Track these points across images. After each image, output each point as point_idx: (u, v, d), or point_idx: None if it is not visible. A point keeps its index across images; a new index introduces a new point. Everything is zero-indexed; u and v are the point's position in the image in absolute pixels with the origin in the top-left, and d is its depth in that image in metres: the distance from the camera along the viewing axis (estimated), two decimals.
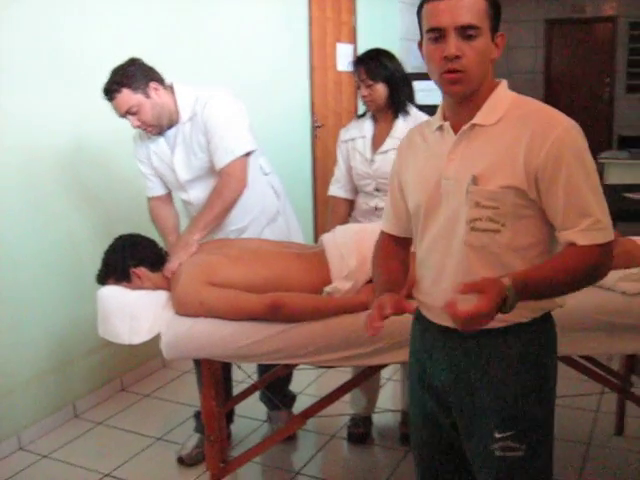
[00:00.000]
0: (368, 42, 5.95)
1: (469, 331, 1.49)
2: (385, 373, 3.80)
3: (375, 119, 3.16)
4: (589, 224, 1.56)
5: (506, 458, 1.70)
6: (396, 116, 3.09)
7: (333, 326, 2.35)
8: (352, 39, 6.32)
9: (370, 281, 2.45)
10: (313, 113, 5.80)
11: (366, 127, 3.16)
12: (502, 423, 1.69)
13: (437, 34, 1.58)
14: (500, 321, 1.57)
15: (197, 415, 3.30)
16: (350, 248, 2.52)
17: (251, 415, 3.55)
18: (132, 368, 4.03)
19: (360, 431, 3.33)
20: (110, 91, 2.78)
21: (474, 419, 1.72)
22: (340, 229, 2.69)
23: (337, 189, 3.27)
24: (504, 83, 1.69)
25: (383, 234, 1.97)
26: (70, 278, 3.60)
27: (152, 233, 3.01)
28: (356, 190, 3.23)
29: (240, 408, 3.38)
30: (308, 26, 5.62)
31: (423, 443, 1.90)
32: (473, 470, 1.79)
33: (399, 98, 3.07)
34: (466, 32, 1.55)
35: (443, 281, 1.70)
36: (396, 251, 1.93)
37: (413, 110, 3.12)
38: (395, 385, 3.81)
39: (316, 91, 5.81)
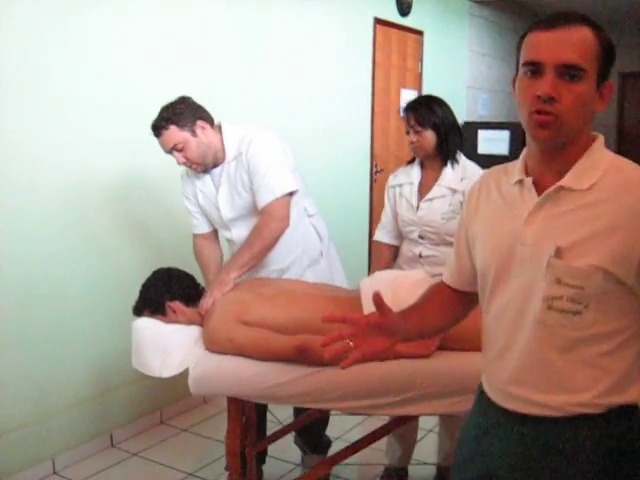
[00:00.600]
0: (434, 89, 5.99)
1: None
2: (426, 424, 3.71)
3: (423, 166, 3.14)
4: None
5: None
6: (444, 164, 3.05)
7: (360, 372, 2.29)
8: (417, 85, 6.34)
9: None
10: (373, 157, 5.81)
11: (414, 174, 3.13)
12: None
13: (534, 68, 1.37)
14: (565, 411, 1.43)
15: None
16: (386, 294, 2.47)
17: (286, 458, 3.51)
18: (173, 401, 4.05)
19: None
20: (158, 127, 2.83)
21: None
22: (379, 274, 2.67)
23: (382, 235, 3.24)
24: (600, 140, 1.46)
25: (442, 284, 1.78)
26: (116, 310, 3.65)
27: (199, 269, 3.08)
28: (401, 237, 3.20)
29: (275, 449, 3.34)
30: (372, 72, 5.66)
31: None
32: None
33: (448, 146, 3.04)
34: (568, 72, 1.34)
35: (509, 358, 1.50)
36: (450, 300, 1.74)
37: (462, 159, 3.09)
38: (435, 437, 3.71)
39: (377, 136, 5.83)
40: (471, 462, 1.63)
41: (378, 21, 5.66)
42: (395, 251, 3.23)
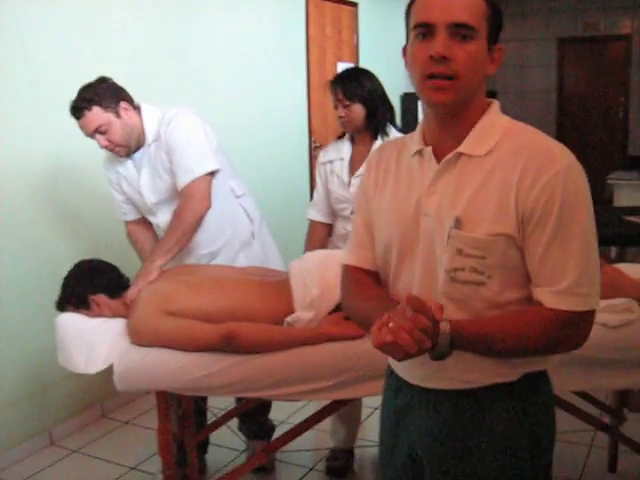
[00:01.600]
0: (371, 61, 5.93)
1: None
2: (371, 402, 3.67)
3: (353, 141, 3.06)
4: (566, 286, 1.33)
5: None
6: (375, 138, 2.99)
7: (291, 358, 2.24)
8: (354, 58, 6.26)
9: (334, 311, 2.35)
10: (311, 133, 5.72)
11: (344, 149, 3.06)
12: None
13: (425, 30, 1.33)
14: (475, 382, 1.43)
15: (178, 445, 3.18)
16: (314, 276, 2.41)
17: (230, 445, 3.44)
18: (113, 394, 3.92)
19: (339, 464, 3.20)
20: (79, 109, 2.70)
21: None
22: (307, 255, 2.59)
23: (315, 213, 3.17)
24: (496, 105, 1.44)
25: (349, 268, 1.64)
26: (49, 304, 3.48)
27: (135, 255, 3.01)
28: (335, 214, 3.13)
29: (219, 437, 3.27)
30: (305, 46, 5.55)
31: None
32: None
33: (377, 119, 2.97)
34: (459, 31, 1.32)
35: None
36: (375, 284, 1.60)
37: (393, 132, 3.02)
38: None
39: (314, 111, 5.74)
40: (395, 447, 1.61)
41: None
42: (329, 229, 3.17)
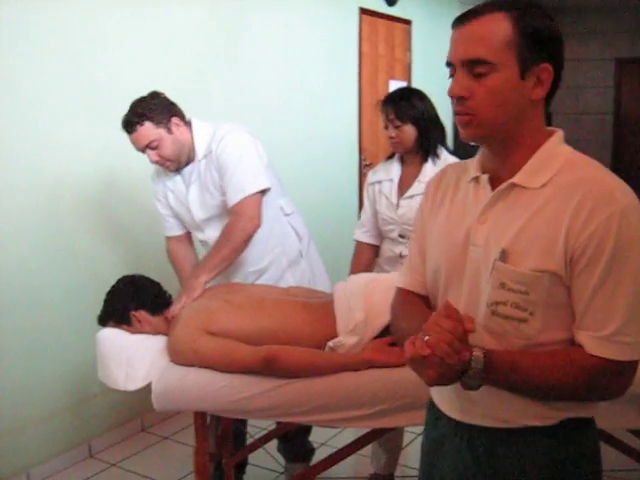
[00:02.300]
0: (424, 80, 5.87)
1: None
2: (414, 427, 3.58)
3: (403, 162, 3.01)
4: (610, 333, 1.26)
5: None
6: (425, 160, 2.93)
7: (332, 384, 2.18)
8: (406, 76, 6.20)
9: (378, 337, 2.29)
10: (361, 151, 5.68)
11: (394, 170, 3.01)
12: None
13: (450, 70, 1.34)
14: (511, 421, 1.38)
15: (215, 464, 3.14)
16: (358, 299, 2.35)
17: (269, 466, 3.39)
18: (154, 408, 3.92)
19: None
20: (131, 123, 2.70)
21: None
22: (352, 278, 2.54)
23: (362, 234, 3.12)
24: (558, 135, 1.38)
25: (401, 291, 1.61)
26: (93, 315, 3.52)
27: None
28: (381, 236, 3.07)
29: (258, 458, 3.23)
30: (358, 63, 5.52)
31: None
32: None
33: (428, 141, 2.91)
34: (474, 69, 1.29)
35: None
36: (423, 306, 1.55)
37: (444, 153, 2.96)
38: None
39: (365, 129, 5.70)
40: (430, 478, 1.57)
41: (363, 11, 5.52)
42: (375, 250, 3.11)
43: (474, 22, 1.29)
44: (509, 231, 1.32)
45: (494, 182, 1.38)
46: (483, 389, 1.32)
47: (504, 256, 1.30)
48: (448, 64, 1.34)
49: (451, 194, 1.49)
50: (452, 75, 1.34)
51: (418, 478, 1.67)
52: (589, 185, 1.27)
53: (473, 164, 1.45)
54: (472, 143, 1.39)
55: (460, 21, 1.32)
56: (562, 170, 1.32)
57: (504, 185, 1.35)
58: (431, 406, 1.58)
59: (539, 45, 1.29)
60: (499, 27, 1.28)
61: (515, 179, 1.34)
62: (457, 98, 1.31)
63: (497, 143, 1.36)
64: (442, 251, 1.45)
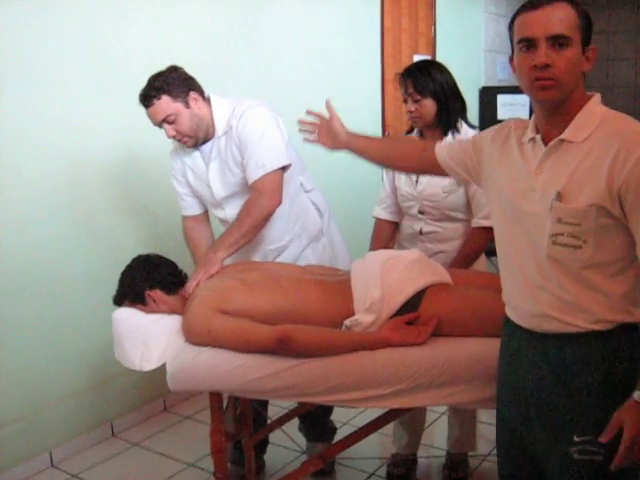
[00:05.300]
0: (449, 54, 5.75)
1: None
2: (437, 407, 3.54)
3: (422, 136, 2.93)
4: None
5: (585, 462, 1.70)
6: (445, 134, 2.84)
7: (348, 364, 2.14)
8: (431, 50, 6.08)
9: (394, 315, 2.24)
10: (385, 127, 5.59)
11: None
12: (581, 427, 1.70)
13: (528, 44, 1.63)
14: (580, 327, 1.68)
15: (235, 443, 3.12)
16: (375, 277, 2.30)
17: (290, 445, 3.36)
18: None
19: (400, 471, 3.09)
20: (149, 97, 2.66)
21: (553, 422, 1.75)
22: (370, 256, 2.48)
23: (381, 210, 3.06)
24: (596, 97, 1.71)
25: (428, 143, 2.18)
26: (112, 294, 3.54)
27: None
28: (401, 212, 3.01)
29: (280, 437, 3.21)
30: (380, 37, 5.42)
31: (502, 447, 1.96)
32: (549, 477, 1.81)
33: (449, 114, 2.83)
34: (557, 42, 1.60)
35: (529, 285, 1.74)
36: (419, 159, 2.14)
37: (464, 127, 2.87)
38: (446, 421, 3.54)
39: (388, 104, 5.60)
40: (507, 386, 1.88)
41: None
42: (395, 227, 3.05)
43: (548, 8, 1.62)
44: (561, 177, 1.65)
45: (545, 141, 1.71)
46: (553, 302, 1.68)
47: (559, 196, 1.64)
48: (525, 40, 1.63)
49: (515, 147, 1.80)
50: (524, 48, 1.64)
51: (497, 392, 1.95)
52: (624, 133, 1.60)
53: (529, 129, 1.77)
54: (546, 105, 1.69)
55: (535, 6, 1.63)
56: (601, 124, 1.64)
57: (554, 141, 1.68)
58: (507, 322, 1.87)
59: (589, 30, 1.66)
60: (569, 13, 1.63)
61: (563, 135, 1.66)
62: (542, 67, 1.61)
63: (559, 105, 1.66)
64: (509, 196, 1.77)
